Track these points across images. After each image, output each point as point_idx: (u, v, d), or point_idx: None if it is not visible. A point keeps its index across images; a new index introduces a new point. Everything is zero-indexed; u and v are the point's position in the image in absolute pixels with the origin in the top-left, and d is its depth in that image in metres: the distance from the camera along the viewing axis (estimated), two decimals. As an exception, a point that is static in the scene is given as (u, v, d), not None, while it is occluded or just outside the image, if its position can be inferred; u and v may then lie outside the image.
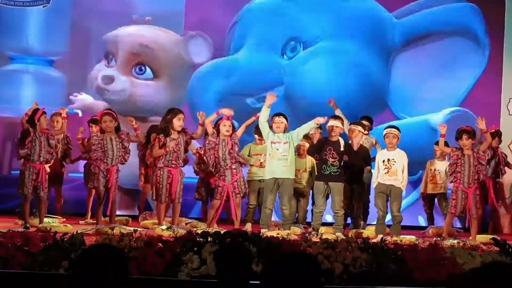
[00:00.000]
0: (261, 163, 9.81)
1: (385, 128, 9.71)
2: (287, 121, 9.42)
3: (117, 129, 9.32)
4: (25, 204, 9.22)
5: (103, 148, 9.19)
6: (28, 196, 9.16)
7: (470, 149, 9.27)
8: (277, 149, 9.26)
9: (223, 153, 9.43)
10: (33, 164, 9.15)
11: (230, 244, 5.81)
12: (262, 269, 3.68)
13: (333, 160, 9.21)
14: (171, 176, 9.32)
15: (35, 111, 9.22)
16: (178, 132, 9.37)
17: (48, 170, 9.38)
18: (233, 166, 9.47)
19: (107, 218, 9.65)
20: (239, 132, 9.59)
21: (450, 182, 9.52)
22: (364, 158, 9.90)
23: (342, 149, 9.27)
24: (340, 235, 8.63)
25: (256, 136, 10.04)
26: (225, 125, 9.45)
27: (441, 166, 10.62)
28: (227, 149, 9.42)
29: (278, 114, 9.44)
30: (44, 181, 9.20)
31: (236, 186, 9.47)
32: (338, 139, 9.32)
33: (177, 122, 9.31)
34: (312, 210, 9.80)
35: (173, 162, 9.32)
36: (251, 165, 10.07)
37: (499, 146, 10.49)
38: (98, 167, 9.23)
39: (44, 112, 9.24)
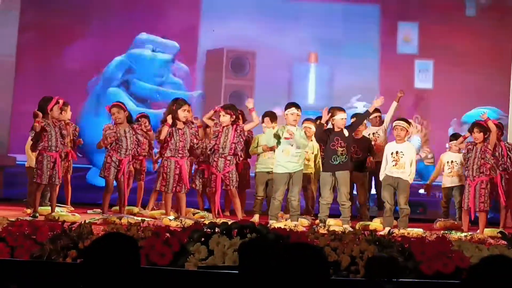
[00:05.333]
0: (270, 147, 9.73)
1: (394, 121, 9.73)
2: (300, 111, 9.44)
3: (130, 120, 9.37)
4: (37, 193, 9.23)
5: (117, 139, 9.24)
6: (43, 185, 9.19)
7: (481, 143, 9.28)
8: (291, 145, 9.25)
9: (224, 141, 9.41)
10: (50, 153, 9.17)
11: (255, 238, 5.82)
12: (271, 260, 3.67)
13: (342, 149, 9.22)
14: (178, 166, 9.33)
15: (48, 100, 9.22)
16: (184, 122, 9.38)
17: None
18: (228, 157, 9.43)
19: (117, 208, 9.70)
20: (247, 127, 9.59)
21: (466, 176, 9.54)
22: (367, 148, 10.03)
23: (347, 136, 9.29)
24: (347, 227, 8.62)
25: (267, 118, 9.99)
26: (224, 116, 9.43)
27: (457, 157, 10.40)
28: (229, 139, 9.41)
29: (294, 105, 9.41)
30: (59, 169, 9.23)
31: (227, 177, 9.43)
32: (342, 129, 9.33)
33: (182, 113, 9.32)
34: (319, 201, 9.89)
35: (180, 152, 9.33)
36: (259, 154, 9.98)
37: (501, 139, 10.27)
38: (111, 157, 9.27)
39: (57, 102, 9.24)
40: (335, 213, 9.44)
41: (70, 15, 12.40)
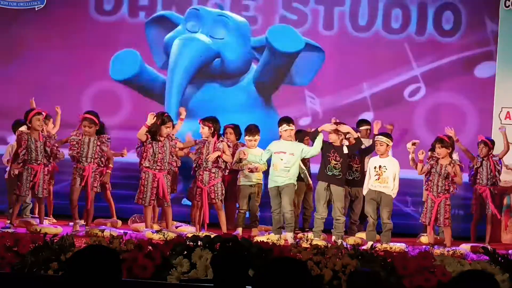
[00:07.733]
0: (252, 169, 9.74)
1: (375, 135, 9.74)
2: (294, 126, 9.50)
3: (99, 132, 9.29)
4: (17, 204, 9.20)
5: (80, 148, 9.15)
6: (23, 197, 9.17)
7: (446, 159, 9.26)
8: (281, 159, 9.26)
9: (206, 155, 9.45)
10: (31, 165, 9.13)
11: (228, 249, 5.82)
12: (252, 274, 3.67)
13: (335, 162, 9.22)
14: (156, 179, 9.30)
15: (28, 112, 9.17)
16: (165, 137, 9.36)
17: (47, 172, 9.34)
18: (213, 170, 9.47)
19: (100, 220, 9.67)
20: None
21: (425, 190, 9.57)
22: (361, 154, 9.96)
23: (345, 152, 9.28)
24: (340, 242, 8.60)
25: (247, 137, 9.92)
26: (203, 128, 9.49)
27: None
28: (210, 151, 9.43)
29: (287, 121, 9.44)
30: (43, 182, 9.19)
31: (212, 191, 9.45)
32: (342, 145, 9.34)
33: (165, 130, 9.32)
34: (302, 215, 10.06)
35: (158, 164, 9.30)
36: (241, 170, 9.97)
37: (491, 154, 10.28)
38: (75, 168, 9.21)
39: (38, 113, 9.18)
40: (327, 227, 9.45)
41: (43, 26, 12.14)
